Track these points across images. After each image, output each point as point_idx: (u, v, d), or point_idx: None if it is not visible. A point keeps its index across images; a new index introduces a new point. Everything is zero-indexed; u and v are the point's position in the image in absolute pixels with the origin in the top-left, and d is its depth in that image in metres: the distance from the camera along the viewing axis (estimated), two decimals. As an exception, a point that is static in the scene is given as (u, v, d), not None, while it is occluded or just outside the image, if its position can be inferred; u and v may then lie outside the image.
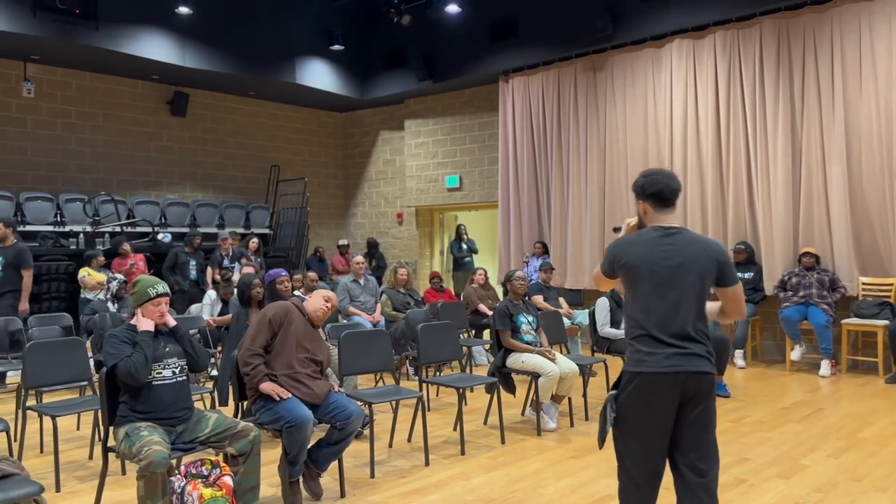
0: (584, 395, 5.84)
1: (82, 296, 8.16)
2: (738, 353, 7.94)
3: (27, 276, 7.06)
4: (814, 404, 6.11)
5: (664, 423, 2.60)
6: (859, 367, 7.76)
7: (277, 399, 3.72)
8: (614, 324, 6.25)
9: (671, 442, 2.65)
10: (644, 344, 2.62)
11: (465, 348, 7.11)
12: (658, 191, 2.73)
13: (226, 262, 9.15)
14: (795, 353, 7.56)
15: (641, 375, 2.59)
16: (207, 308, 7.19)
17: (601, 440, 2.70)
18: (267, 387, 3.75)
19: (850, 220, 7.66)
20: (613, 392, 2.71)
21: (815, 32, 7.91)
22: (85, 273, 8.20)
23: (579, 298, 9.83)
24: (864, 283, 7.65)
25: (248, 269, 7.40)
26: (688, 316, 2.61)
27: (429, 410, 6.03)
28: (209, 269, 9.24)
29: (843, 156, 7.68)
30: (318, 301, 4.09)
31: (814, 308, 7.45)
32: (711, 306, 2.81)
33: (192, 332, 6.36)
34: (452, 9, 10.59)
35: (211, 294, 7.30)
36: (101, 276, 8.26)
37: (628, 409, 2.64)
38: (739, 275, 8.05)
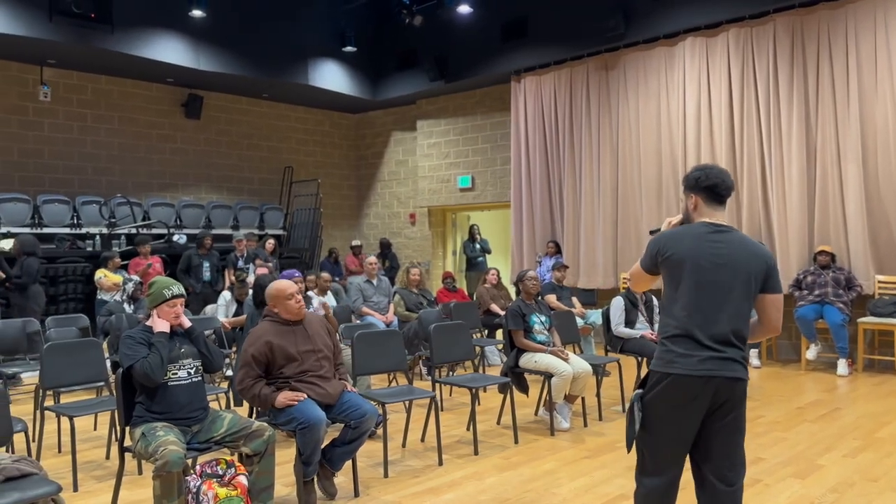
0: (598, 395, 5.83)
1: (99, 297, 8.23)
2: (753, 352, 7.89)
3: None
4: (829, 404, 6.06)
5: (690, 428, 2.51)
6: (876, 366, 7.70)
7: (295, 404, 3.73)
8: (628, 324, 6.23)
9: (699, 451, 2.56)
10: (679, 345, 2.50)
11: (477, 348, 7.11)
12: (714, 185, 2.62)
13: (240, 264, 9.21)
14: (811, 353, 7.50)
15: (672, 377, 2.49)
16: (222, 309, 7.24)
17: (630, 443, 2.60)
18: (282, 401, 3.72)
19: (866, 217, 7.60)
20: (639, 391, 2.62)
21: (830, 29, 7.84)
22: (101, 275, 8.27)
23: (592, 298, 9.81)
24: (880, 282, 7.58)
25: (263, 270, 7.44)
26: (732, 319, 2.50)
27: (442, 410, 6.04)
28: (227, 272, 9.29)
29: (858, 153, 7.62)
30: (286, 306, 3.91)
31: (829, 307, 7.39)
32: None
33: (206, 332, 6.41)
34: (464, 9, 10.60)
35: (226, 295, 7.35)
36: (118, 278, 8.33)
37: (654, 410, 2.55)
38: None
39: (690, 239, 2.57)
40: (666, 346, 2.55)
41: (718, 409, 2.51)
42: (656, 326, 6.24)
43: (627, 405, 2.67)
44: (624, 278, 9.34)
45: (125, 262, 9.11)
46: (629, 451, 2.61)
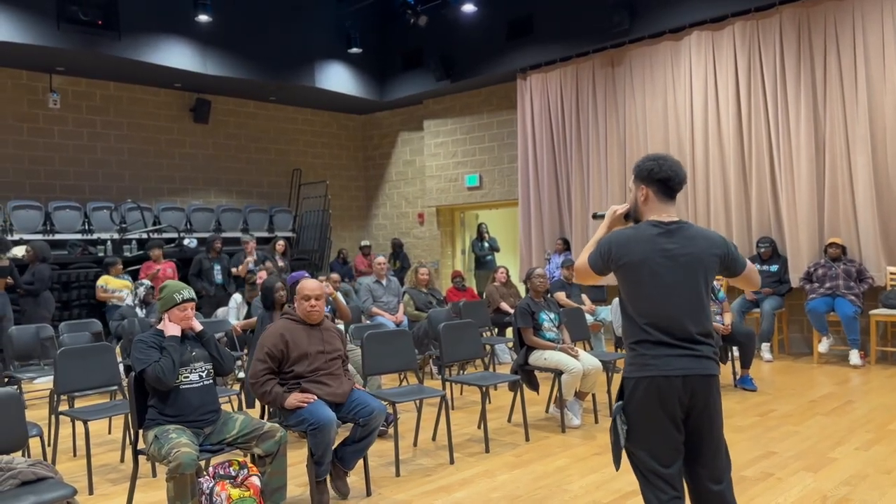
0: (609, 392, 5.82)
1: (111, 302, 8.30)
2: (765, 346, 7.86)
3: None
4: (842, 397, 6.04)
5: (677, 429, 2.44)
6: (888, 358, 7.65)
7: (305, 406, 3.76)
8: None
9: (690, 453, 2.50)
10: (648, 348, 2.45)
11: (487, 346, 7.12)
12: (667, 177, 2.52)
13: (251, 266, 9.25)
14: (823, 346, 7.46)
15: (649, 379, 2.42)
16: (233, 311, 7.28)
17: (618, 460, 2.52)
18: (291, 403, 3.76)
19: (877, 209, 7.55)
20: (619, 403, 2.53)
21: (837, 20, 7.80)
22: (104, 282, 8.33)
23: (602, 295, 9.78)
24: (891, 273, 7.53)
25: (263, 275, 7.41)
26: (694, 317, 2.45)
27: (452, 409, 6.06)
28: (239, 268, 9.31)
29: (867, 144, 7.57)
30: (301, 306, 4.01)
31: (841, 299, 7.35)
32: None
33: (218, 335, 6.45)
34: (468, 8, 10.61)
35: (236, 297, 7.39)
36: (121, 283, 8.40)
37: (639, 417, 2.46)
38: (765, 268, 8.01)
39: (642, 243, 2.49)
40: (636, 351, 2.48)
41: (698, 407, 2.45)
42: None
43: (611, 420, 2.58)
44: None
45: (136, 267, 9.18)
46: (618, 468, 2.53)
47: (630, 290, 2.51)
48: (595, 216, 2.81)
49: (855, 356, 7.26)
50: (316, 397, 3.80)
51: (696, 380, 2.43)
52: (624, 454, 2.55)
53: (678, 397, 2.42)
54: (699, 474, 2.51)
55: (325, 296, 6.03)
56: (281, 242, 10.02)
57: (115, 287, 8.36)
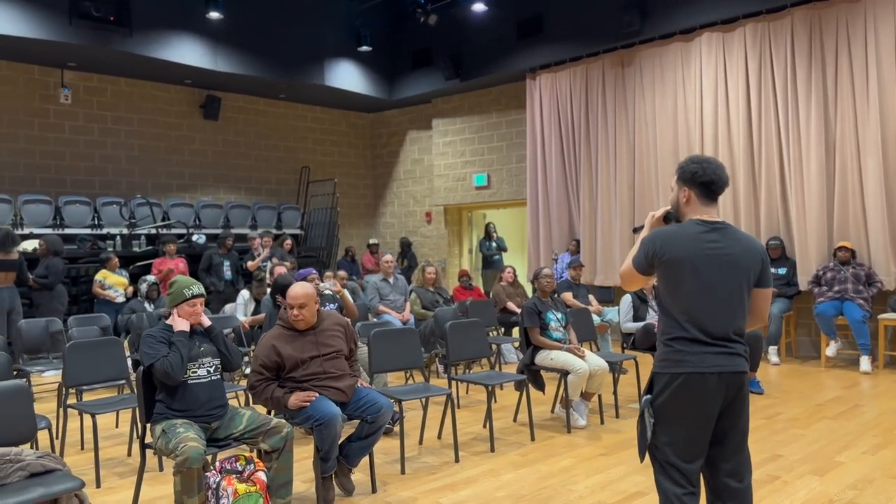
0: (615, 393, 5.82)
1: (99, 298, 8.39)
2: (772, 349, 7.83)
3: None
4: (849, 401, 6.01)
5: (707, 426, 2.47)
6: (897, 363, 7.61)
7: (307, 405, 3.76)
8: (637, 321, 6.23)
9: (714, 451, 2.52)
10: (685, 344, 2.47)
11: (493, 346, 7.13)
12: (710, 181, 2.55)
13: (264, 262, 9.30)
14: (831, 349, 7.43)
15: (685, 376, 2.45)
16: (241, 307, 7.31)
17: (643, 451, 2.54)
18: (294, 403, 3.76)
19: (887, 212, 7.51)
20: (648, 397, 2.55)
21: (849, 22, 7.76)
22: (102, 277, 8.40)
23: (609, 296, 9.79)
24: (901, 278, 7.49)
25: (281, 269, 7.48)
26: (735, 317, 2.49)
27: (458, 408, 6.06)
28: (250, 263, 9.33)
29: (878, 147, 7.54)
30: (289, 312, 3.91)
31: (849, 303, 7.32)
32: None
33: (226, 331, 6.47)
34: (479, 7, 10.61)
35: (244, 294, 7.42)
36: (118, 279, 8.47)
37: (669, 413, 2.48)
38: (773, 270, 7.98)
39: (686, 239, 2.51)
40: (672, 347, 2.50)
41: (730, 404, 2.50)
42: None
43: (638, 412, 2.60)
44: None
45: (148, 262, 9.23)
46: (642, 460, 2.56)
47: (671, 286, 2.52)
48: (635, 230, 2.84)
49: (866, 363, 7.21)
50: (318, 394, 3.80)
51: (729, 377, 2.47)
52: None
53: (714, 394, 2.46)
54: (720, 469, 2.53)
55: (333, 293, 6.06)
56: (288, 241, 10.05)
57: (112, 283, 8.45)
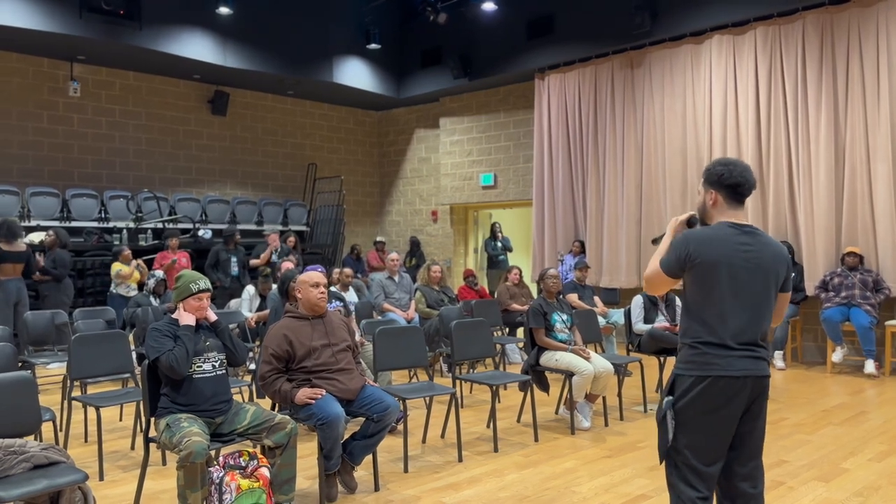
0: (619, 395, 5.80)
1: (113, 291, 8.39)
2: (778, 354, 7.80)
3: None
4: (855, 407, 5.98)
5: (729, 430, 2.45)
6: (904, 370, 7.57)
7: (313, 403, 3.76)
8: (647, 323, 6.20)
9: (731, 455, 2.50)
10: (712, 347, 2.45)
11: (498, 346, 7.11)
12: (737, 183, 2.51)
13: (274, 258, 9.32)
14: (837, 355, 7.40)
15: (711, 379, 2.42)
16: (246, 303, 7.31)
17: (664, 453, 2.51)
18: (301, 398, 3.76)
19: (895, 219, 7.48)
20: (670, 398, 2.51)
21: (861, 27, 7.72)
22: (119, 268, 8.42)
23: (615, 297, 9.76)
24: (909, 284, 7.45)
25: (288, 265, 7.50)
26: (763, 323, 2.48)
27: (462, 407, 6.05)
28: (261, 258, 9.34)
29: (888, 153, 7.50)
30: (309, 294, 3.97)
31: (856, 309, 7.28)
32: None
33: (231, 326, 6.48)
34: (489, 6, 10.59)
35: (249, 289, 7.42)
36: (131, 271, 8.49)
37: (692, 415, 2.45)
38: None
39: (720, 242, 2.47)
40: (698, 350, 2.47)
41: (750, 409, 2.49)
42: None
43: (657, 412, 2.56)
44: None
45: (151, 257, 9.24)
46: (662, 461, 2.53)
47: (704, 289, 2.48)
48: (654, 241, 2.80)
49: (870, 365, 7.18)
50: (325, 392, 3.80)
51: (755, 381, 2.46)
52: None
53: (739, 398, 2.44)
54: (736, 473, 2.52)
55: (337, 291, 6.05)
56: (292, 238, 10.06)
57: (127, 274, 8.46)
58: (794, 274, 7.86)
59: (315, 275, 4.03)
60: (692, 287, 2.52)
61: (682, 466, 2.49)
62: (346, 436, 3.89)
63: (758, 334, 2.48)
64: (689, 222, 2.68)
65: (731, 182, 2.53)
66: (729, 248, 2.47)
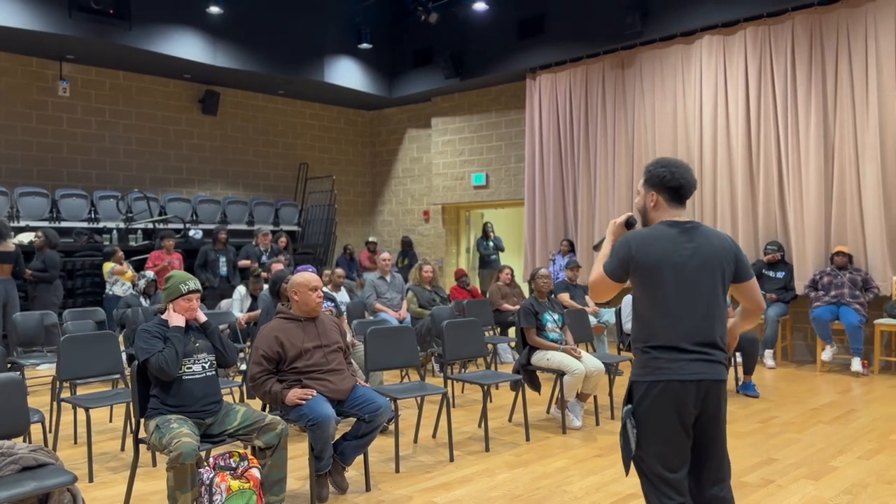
0: (610, 394, 5.81)
1: (109, 292, 8.34)
2: (768, 352, 7.84)
3: None
4: (845, 405, 6.01)
5: (688, 434, 2.43)
6: (892, 367, 7.62)
7: (303, 404, 3.75)
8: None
9: (695, 458, 2.49)
10: (662, 351, 2.41)
11: (490, 346, 7.12)
12: (679, 185, 2.50)
13: (264, 258, 9.29)
14: (826, 354, 7.44)
15: (663, 384, 2.39)
16: (237, 303, 7.29)
17: (627, 464, 2.49)
18: (291, 399, 3.75)
19: (884, 218, 7.52)
20: (629, 407, 2.48)
21: (850, 28, 7.76)
22: (113, 265, 8.39)
23: (606, 297, 9.76)
24: (898, 283, 7.50)
25: (277, 266, 7.49)
26: (715, 322, 2.43)
27: (453, 407, 6.05)
28: (247, 261, 9.31)
29: (877, 153, 7.54)
30: (308, 298, 3.96)
31: (846, 308, 7.33)
32: (732, 323, 2.63)
33: (221, 327, 6.46)
34: (480, 6, 10.59)
35: (240, 290, 7.40)
36: (123, 266, 8.46)
37: (650, 422, 2.43)
38: (771, 274, 8.00)
39: (662, 242, 2.44)
40: (649, 354, 2.44)
41: (708, 412, 2.45)
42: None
43: (620, 423, 2.56)
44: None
45: (143, 257, 9.21)
46: (627, 472, 2.51)
47: (648, 290, 2.46)
48: (595, 247, 2.78)
49: (857, 363, 7.23)
50: (315, 393, 3.79)
51: (709, 385, 2.42)
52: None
53: (692, 402, 2.40)
54: (703, 478, 2.50)
55: (329, 291, 6.04)
56: (283, 238, 10.04)
57: (122, 270, 8.43)
58: (785, 273, 7.96)
59: (313, 278, 4.00)
60: (638, 290, 2.49)
61: (650, 476, 2.47)
62: (338, 436, 3.89)
63: (714, 334, 2.43)
64: (628, 224, 2.65)
65: (673, 184, 2.51)
66: (671, 247, 2.44)
